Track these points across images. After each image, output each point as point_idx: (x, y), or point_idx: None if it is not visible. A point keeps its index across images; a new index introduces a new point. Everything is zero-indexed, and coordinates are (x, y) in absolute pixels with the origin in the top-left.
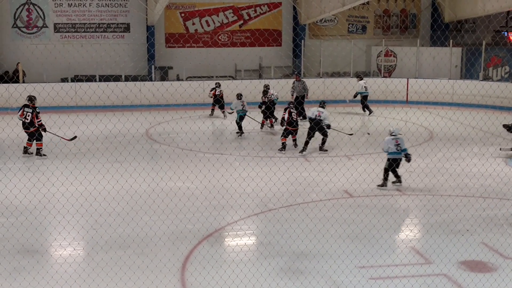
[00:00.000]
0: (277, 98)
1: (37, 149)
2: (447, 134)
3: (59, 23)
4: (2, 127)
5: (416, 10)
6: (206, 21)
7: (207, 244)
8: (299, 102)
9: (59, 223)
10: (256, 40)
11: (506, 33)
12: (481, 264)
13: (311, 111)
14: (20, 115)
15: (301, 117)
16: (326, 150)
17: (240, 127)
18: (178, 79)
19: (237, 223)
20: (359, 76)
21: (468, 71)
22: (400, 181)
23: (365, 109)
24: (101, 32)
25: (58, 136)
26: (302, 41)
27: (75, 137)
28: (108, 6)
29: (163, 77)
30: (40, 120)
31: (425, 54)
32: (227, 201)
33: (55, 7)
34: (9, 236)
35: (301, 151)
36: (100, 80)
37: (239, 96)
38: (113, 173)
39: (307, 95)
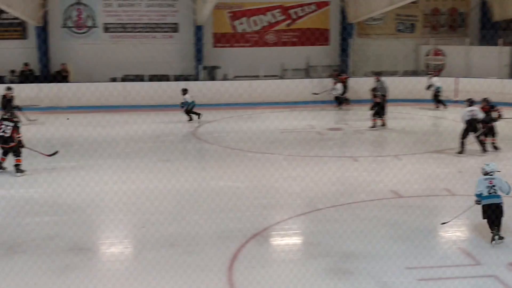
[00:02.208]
0: (193, 102)
1: (16, 165)
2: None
3: (108, 23)
4: (53, 125)
5: (465, 9)
6: (254, 21)
7: (255, 243)
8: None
9: (111, 221)
10: (304, 39)
11: None
12: None
13: (464, 112)
14: None
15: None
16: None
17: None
18: (225, 78)
19: (285, 223)
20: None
21: None
22: (500, 237)
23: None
24: (150, 32)
25: (37, 152)
26: (350, 40)
27: (56, 152)
28: (157, 6)
29: (211, 77)
30: (20, 136)
31: (474, 53)
32: (276, 200)
33: (104, 7)
34: (62, 234)
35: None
36: (148, 80)
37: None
38: (164, 172)
39: (386, 94)
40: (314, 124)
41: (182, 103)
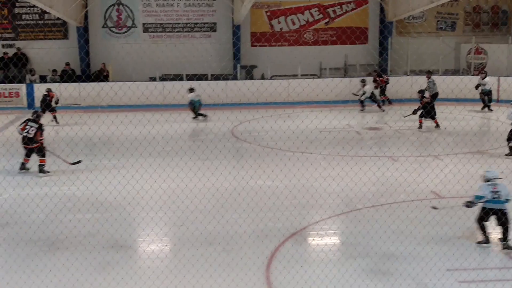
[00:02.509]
0: (199, 100)
1: (40, 165)
2: None
3: (147, 23)
4: (95, 124)
5: (507, 6)
6: (292, 20)
7: (293, 242)
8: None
9: (151, 219)
10: (342, 38)
11: None
12: None
13: (509, 112)
14: (21, 129)
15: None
16: None
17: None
18: (262, 78)
19: (323, 222)
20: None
21: None
22: (488, 237)
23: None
24: (188, 31)
25: (59, 158)
26: (389, 38)
27: (79, 161)
28: (195, 6)
29: (249, 76)
30: (43, 139)
31: None
32: (313, 200)
33: (144, 7)
34: (103, 231)
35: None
36: (187, 79)
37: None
38: (203, 170)
39: (436, 94)
40: (353, 124)
41: (190, 102)
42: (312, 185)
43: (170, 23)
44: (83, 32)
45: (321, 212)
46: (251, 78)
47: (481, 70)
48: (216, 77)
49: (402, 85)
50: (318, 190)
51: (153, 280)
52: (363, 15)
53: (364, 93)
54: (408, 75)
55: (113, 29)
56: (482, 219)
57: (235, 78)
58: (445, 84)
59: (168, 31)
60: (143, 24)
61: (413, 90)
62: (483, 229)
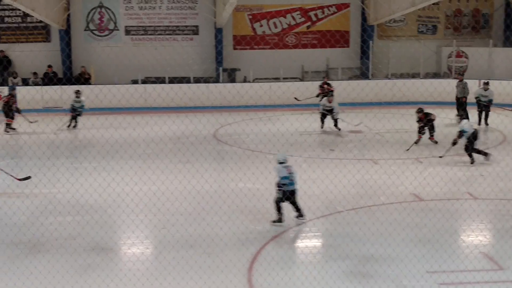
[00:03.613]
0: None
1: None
2: None
3: (130, 26)
4: (78, 128)
5: (489, 10)
6: (274, 23)
7: (275, 245)
8: (460, 103)
9: (132, 221)
10: (324, 41)
11: None
12: None
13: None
14: None
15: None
16: None
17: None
18: (245, 81)
19: (305, 225)
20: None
21: None
22: (302, 215)
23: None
24: (170, 34)
25: (8, 174)
26: (371, 42)
27: (29, 177)
28: (178, 9)
29: (231, 79)
30: None
31: (498, 55)
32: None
33: (126, 10)
34: (84, 233)
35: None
36: (169, 82)
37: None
38: (184, 173)
39: (466, 96)
40: (334, 127)
41: (75, 105)
42: (297, 187)
43: (152, 26)
44: (65, 35)
45: (305, 214)
46: (233, 81)
47: (484, 82)
48: (198, 80)
49: (381, 88)
50: (300, 193)
51: (134, 283)
52: (344, 18)
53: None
54: (389, 79)
55: (95, 32)
56: (280, 200)
57: (217, 81)
58: (425, 87)
59: (150, 34)
60: (125, 27)
61: (393, 93)
62: (279, 209)
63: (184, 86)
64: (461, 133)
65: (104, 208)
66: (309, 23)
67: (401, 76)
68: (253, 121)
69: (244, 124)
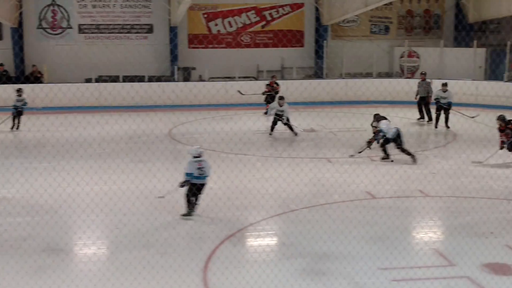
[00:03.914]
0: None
1: None
2: (471, 135)
3: (83, 24)
4: (27, 127)
5: (440, 11)
6: (229, 22)
7: (230, 244)
8: (425, 104)
9: (83, 222)
10: (279, 40)
11: None
12: (505, 267)
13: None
14: None
15: (428, 120)
16: None
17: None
18: (200, 79)
19: (260, 224)
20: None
21: (493, 72)
22: (190, 213)
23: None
24: (124, 33)
25: None
26: (325, 42)
27: None
28: (132, 7)
29: (186, 78)
30: None
31: (448, 55)
32: (249, 201)
33: (79, 8)
34: (35, 234)
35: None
36: (123, 81)
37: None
38: (137, 173)
39: (430, 96)
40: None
41: (17, 104)
42: (252, 186)
43: (106, 24)
44: (17, 33)
45: (255, 213)
46: (189, 79)
47: (442, 84)
48: (152, 79)
49: (332, 87)
50: (252, 192)
51: (85, 284)
52: (299, 18)
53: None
54: (343, 78)
55: (48, 30)
56: (190, 194)
57: (173, 80)
58: (375, 86)
59: (104, 32)
60: (79, 25)
61: (345, 92)
62: (189, 202)
63: (136, 84)
64: (378, 133)
65: (54, 209)
66: (263, 23)
67: (354, 75)
68: (206, 120)
69: (197, 123)
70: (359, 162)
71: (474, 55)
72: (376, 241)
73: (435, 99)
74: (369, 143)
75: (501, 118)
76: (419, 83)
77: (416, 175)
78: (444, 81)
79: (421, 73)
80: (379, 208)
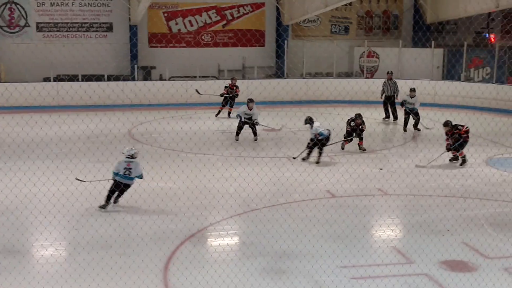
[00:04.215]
0: None
1: None
2: (428, 134)
3: (41, 23)
4: None
5: (398, 11)
6: (189, 21)
7: (190, 245)
8: (391, 103)
9: (40, 223)
10: (239, 40)
11: (487, 34)
12: (461, 263)
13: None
14: None
15: (393, 119)
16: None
17: None
18: (161, 79)
19: (220, 224)
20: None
21: (450, 72)
22: (107, 205)
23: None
24: (83, 31)
25: None
26: (285, 41)
27: None
28: (91, 6)
29: (146, 77)
30: None
31: (407, 55)
32: (209, 201)
33: (37, 6)
34: None
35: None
36: (82, 80)
37: None
38: (95, 173)
39: (397, 95)
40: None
41: None
42: (212, 186)
43: (65, 23)
44: None
45: (220, 212)
46: (149, 79)
47: (410, 89)
48: (112, 78)
49: (292, 87)
50: (218, 191)
51: (43, 286)
52: (260, 18)
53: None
54: (304, 78)
55: (5, 28)
56: (112, 192)
57: (132, 79)
58: (334, 86)
59: (63, 31)
60: (37, 23)
61: (306, 92)
62: (108, 198)
63: (95, 84)
64: (318, 136)
65: (10, 210)
66: (224, 22)
67: (315, 75)
68: (165, 120)
69: (156, 122)
70: (324, 161)
71: (432, 55)
72: (335, 239)
73: (402, 102)
74: (309, 147)
75: (448, 124)
76: (385, 82)
77: (375, 174)
78: (412, 87)
79: (388, 72)
80: (339, 206)
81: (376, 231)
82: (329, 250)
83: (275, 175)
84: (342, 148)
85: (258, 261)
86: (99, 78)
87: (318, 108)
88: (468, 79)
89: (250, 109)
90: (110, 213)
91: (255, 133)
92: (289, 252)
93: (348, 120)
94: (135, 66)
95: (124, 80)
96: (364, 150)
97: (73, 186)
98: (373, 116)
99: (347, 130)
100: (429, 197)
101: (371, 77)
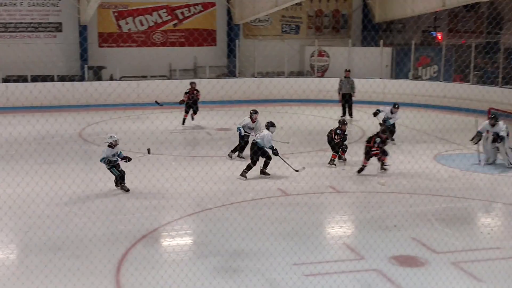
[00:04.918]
0: None
1: None
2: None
3: None
4: None
5: (348, 11)
6: (140, 21)
7: (145, 244)
8: (347, 100)
9: None
10: (191, 39)
11: (434, 33)
12: (411, 259)
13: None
14: None
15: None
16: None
17: None
18: (111, 79)
19: (176, 223)
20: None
21: (398, 70)
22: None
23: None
24: (32, 31)
25: None
26: (237, 41)
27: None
28: (40, 6)
29: (97, 77)
30: None
31: (356, 54)
32: (166, 200)
33: None
34: None
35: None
36: (32, 81)
37: None
38: (50, 174)
39: (353, 93)
40: (204, 125)
41: None
42: (163, 186)
43: (13, 23)
44: None
45: (172, 213)
46: (100, 79)
47: (394, 105)
48: (63, 78)
49: (248, 86)
50: (169, 191)
51: None
52: (210, 17)
53: None
54: (255, 77)
55: None
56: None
57: (82, 79)
58: (289, 85)
59: (10, 31)
60: None
61: (260, 91)
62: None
63: (49, 84)
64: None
65: None
66: (175, 21)
67: (267, 74)
68: (121, 120)
69: (112, 122)
70: (274, 160)
71: (381, 54)
72: (292, 237)
73: (375, 112)
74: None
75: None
76: (342, 80)
77: (329, 172)
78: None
79: (346, 70)
80: (294, 204)
81: (327, 228)
82: (281, 248)
83: (224, 174)
84: (344, 159)
85: (211, 261)
86: (48, 78)
87: (275, 106)
88: (416, 77)
89: (254, 122)
90: (58, 215)
91: (266, 163)
92: (241, 251)
93: (332, 131)
94: (85, 66)
95: (74, 80)
96: (345, 160)
97: (29, 187)
98: (328, 115)
99: (336, 142)
100: (379, 194)
101: (322, 76)
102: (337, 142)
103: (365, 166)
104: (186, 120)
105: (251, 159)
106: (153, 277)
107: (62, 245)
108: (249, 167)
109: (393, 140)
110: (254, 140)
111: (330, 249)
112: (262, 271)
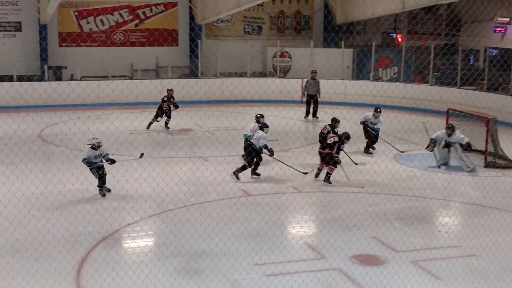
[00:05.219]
0: None
1: None
2: (340, 132)
3: None
4: None
5: (309, 12)
6: (101, 20)
7: (106, 246)
8: (314, 101)
9: None
10: (153, 39)
11: (394, 34)
12: (371, 257)
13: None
14: None
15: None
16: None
17: None
18: (72, 79)
19: (136, 224)
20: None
21: (359, 71)
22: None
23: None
24: None
25: None
26: (199, 41)
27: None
28: None
29: (57, 77)
30: None
31: (318, 55)
32: (127, 202)
33: None
34: None
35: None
36: None
37: None
38: (7, 175)
39: (319, 95)
40: (164, 125)
41: None
42: (123, 187)
43: None
44: None
45: (133, 214)
46: (60, 79)
47: (376, 109)
48: (21, 78)
49: (210, 87)
50: (129, 192)
51: None
52: (172, 17)
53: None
54: (217, 77)
55: None
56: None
57: (42, 79)
58: (251, 86)
59: None
60: None
61: (222, 91)
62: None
63: (6, 84)
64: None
65: None
66: (137, 21)
67: (229, 75)
68: (81, 120)
69: (71, 123)
70: (236, 160)
71: (342, 55)
72: (254, 237)
73: (363, 122)
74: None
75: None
76: (308, 81)
77: (290, 172)
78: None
79: (312, 72)
80: (256, 204)
81: (288, 228)
82: (244, 248)
83: (185, 175)
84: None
85: (170, 262)
86: (3, 78)
87: (236, 107)
88: (377, 78)
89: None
90: (16, 216)
91: (257, 163)
92: (202, 251)
93: (325, 129)
94: (45, 66)
95: (33, 80)
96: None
97: None
98: (289, 115)
99: (337, 144)
100: (339, 194)
101: (284, 76)
102: (339, 143)
103: (321, 169)
104: (151, 125)
105: (246, 160)
106: (113, 278)
107: (20, 248)
108: (244, 168)
109: (374, 149)
110: (249, 141)
111: (292, 249)
112: (223, 271)
